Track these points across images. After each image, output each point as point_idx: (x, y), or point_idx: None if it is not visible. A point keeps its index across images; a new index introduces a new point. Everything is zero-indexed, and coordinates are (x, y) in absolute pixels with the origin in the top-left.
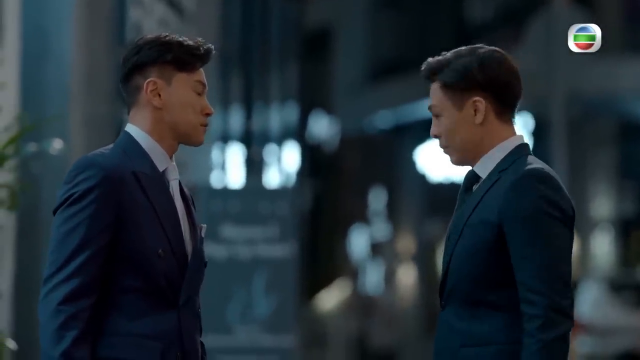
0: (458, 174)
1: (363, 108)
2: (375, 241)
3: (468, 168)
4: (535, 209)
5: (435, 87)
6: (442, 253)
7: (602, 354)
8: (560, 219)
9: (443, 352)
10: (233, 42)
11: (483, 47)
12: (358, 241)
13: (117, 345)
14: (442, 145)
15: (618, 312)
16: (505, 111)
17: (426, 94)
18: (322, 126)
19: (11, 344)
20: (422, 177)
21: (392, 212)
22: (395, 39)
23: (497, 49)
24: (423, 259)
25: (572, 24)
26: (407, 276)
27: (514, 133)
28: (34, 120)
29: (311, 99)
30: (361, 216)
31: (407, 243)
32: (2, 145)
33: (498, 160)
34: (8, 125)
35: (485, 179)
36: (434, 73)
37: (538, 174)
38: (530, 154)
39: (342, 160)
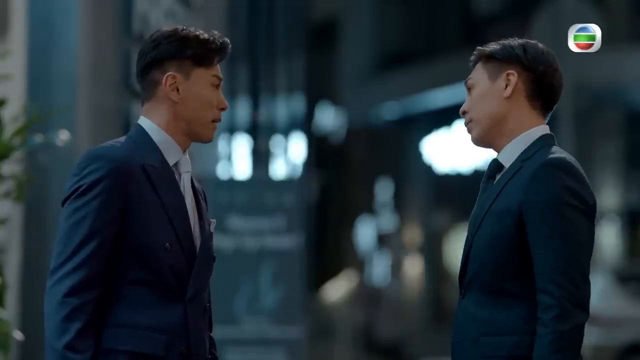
0: (464, 165)
1: (370, 99)
2: (382, 232)
3: (478, 157)
4: (556, 198)
5: (478, 65)
6: (450, 244)
7: (608, 345)
8: (582, 210)
9: (462, 340)
10: (240, 33)
11: (537, 42)
12: (365, 232)
13: (122, 336)
14: (466, 122)
15: (624, 303)
16: (537, 98)
17: (432, 85)
18: (328, 117)
19: (18, 335)
20: (428, 169)
21: (399, 204)
22: (402, 30)
23: (550, 50)
24: (429, 250)
25: (579, 15)
26: (414, 267)
27: (541, 123)
28: (40, 111)
29: (318, 90)
30: (368, 207)
31: (413, 234)
32: (9, 136)
33: (522, 149)
34: (15, 116)
35: (508, 168)
36: (482, 52)
37: (560, 163)
38: (555, 145)
39: (349, 151)
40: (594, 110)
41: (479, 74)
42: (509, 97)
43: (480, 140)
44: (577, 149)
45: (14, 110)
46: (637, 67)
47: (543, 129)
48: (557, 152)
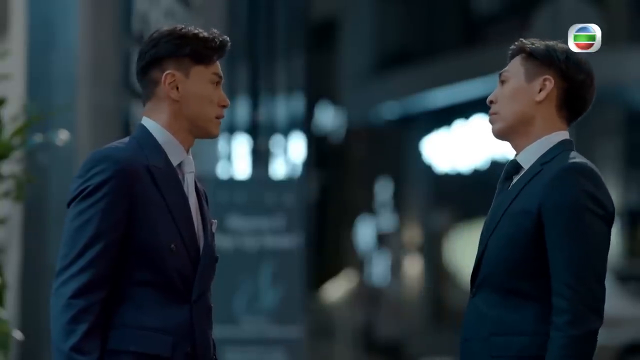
0: (464, 165)
1: (369, 99)
2: (382, 232)
3: (477, 157)
4: (575, 203)
5: (517, 57)
6: (450, 243)
7: (607, 345)
8: (600, 215)
9: (472, 339)
10: (239, 32)
11: (578, 51)
12: (364, 232)
13: (128, 337)
14: (492, 112)
15: (624, 303)
16: (567, 109)
17: (432, 85)
18: (328, 117)
19: (18, 335)
20: (428, 168)
21: (399, 203)
22: (401, 29)
23: (588, 61)
24: (429, 250)
25: (579, 14)
26: (413, 267)
27: (563, 129)
28: (40, 111)
29: (318, 90)
30: (367, 207)
31: (413, 234)
32: (9, 136)
33: (542, 152)
34: (15, 116)
35: (527, 171)
36: (524, 46)
37: (581, 168)
38: (574, 150)
39: (349, 151)
40: (594, 110)
41: (516, 70)
42: (540, 102)
43: (501, 136)
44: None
45: (13, 110)
46: (636, 66)
47: (564, 134)
48: (577, 157)
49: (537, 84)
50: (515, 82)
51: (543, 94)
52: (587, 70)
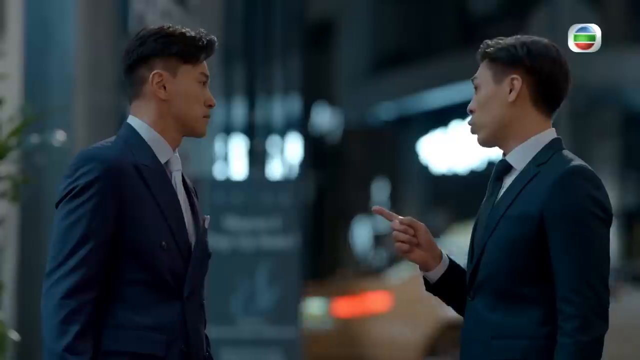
0: (460, 165)
1: (366, 100)
2: (378, 233)
3: (474, 157)
4: (580, 207)
5: (483, 63)
6: (446, 244)
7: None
8: (602, 219)
9: (473, 343)
10: (236, 33)
11: (542, 39)
12: (361, 233)
13: (121, 337)
14: (470, 122)
15: None
16: (543, 102)
17: (429, 85)
18: (325, 118)
19: (14, 336)
20: (424, 169)
21: (395, 204)
22: (398, 30)
23: (555, 44)
24: None
25: (577, 15)
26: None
27: (549, 127)
28: (37, 111)
29: (314, 91)
30: (364, 208)
31: None
32: (6, 136)
33: (534, 152)
34: (11, 116)
35: (522, 172)
36: (487, 49)
37: (584, 172)
38: (565, 148)
39: (345, 152)
40: (591, 111)
41: (484, 75)
42: (513, 102)
43: (487, 143)
44: (574, 150)
45: (10, 110)
46: (634, 67)
47: (551, 133)
48: (575, 158)
49: (506, 85)
50: (486, 88)
51: (514, 94)
52: (554, 56)
